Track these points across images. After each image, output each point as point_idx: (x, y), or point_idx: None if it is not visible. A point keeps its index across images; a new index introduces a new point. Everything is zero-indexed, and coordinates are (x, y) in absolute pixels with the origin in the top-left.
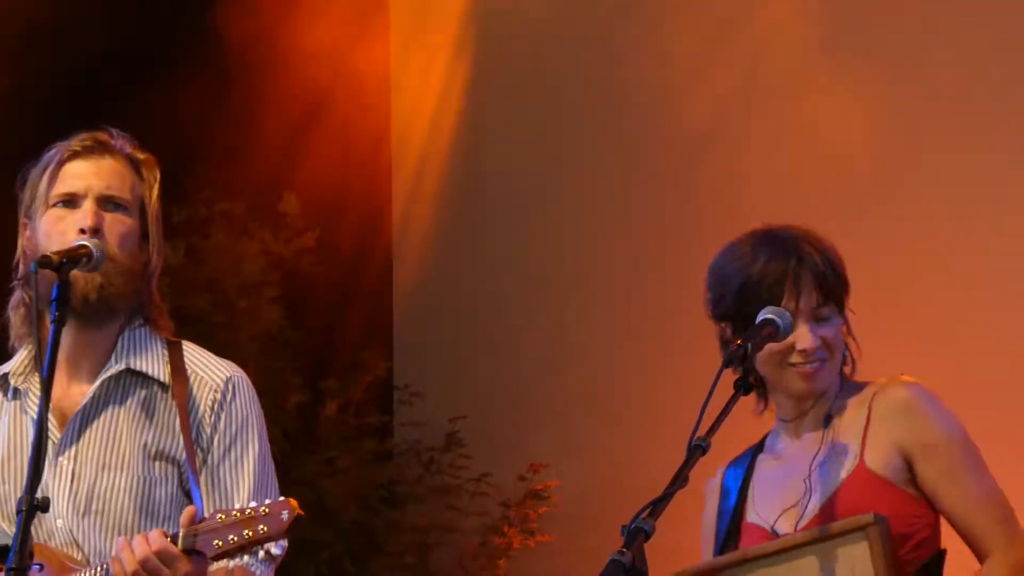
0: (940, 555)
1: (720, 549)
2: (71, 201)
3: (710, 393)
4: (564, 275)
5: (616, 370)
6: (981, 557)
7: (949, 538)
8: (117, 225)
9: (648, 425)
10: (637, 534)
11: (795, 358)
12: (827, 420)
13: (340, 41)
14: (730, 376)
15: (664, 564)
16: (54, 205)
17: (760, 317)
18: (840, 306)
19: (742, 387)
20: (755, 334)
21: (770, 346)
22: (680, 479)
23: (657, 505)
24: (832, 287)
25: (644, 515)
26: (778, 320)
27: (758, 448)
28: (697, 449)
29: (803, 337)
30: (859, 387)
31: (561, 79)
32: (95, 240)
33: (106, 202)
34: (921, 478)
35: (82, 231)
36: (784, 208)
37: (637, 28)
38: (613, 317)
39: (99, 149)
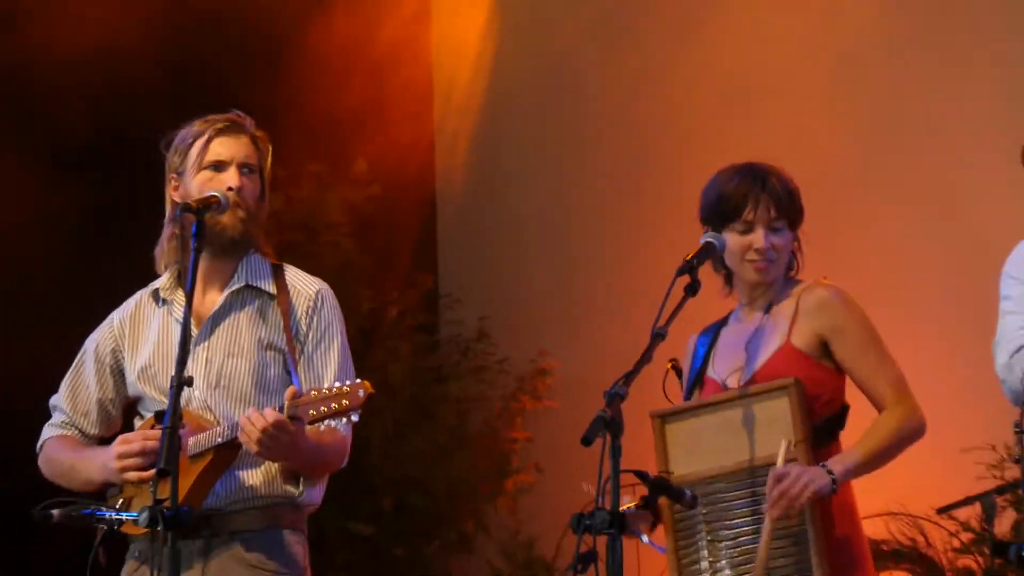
0: (844, 409)
1: (688, 394)
2: (219, 166)
3: (667, 294)
4: (569, 209)
5: (605, 280)
6: (880, 410)
7: (853, 398)
8: (250, 185)
9: (627, 320)
10: (615, 397)
11: (751, 255)
12: (769, 307)
13: (390, 45)
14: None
15: (634, 419)
16: (205, 168)
17: (703, 240)
18: (792, 224)
19: (690, 291)
20: (700, 252)
21: (734, 242)
22: (646, 357)
23: (629, 376)
24: (786, 207)
25: (620, 383)
26: (715, 242)
27: (723, 322)
28: (658, 336)
29: (758, 239)
30: (795, 284)
31: (580, 36)
32: (222, 191)
33: (243, 168)
34: (836, 355)
35: (230, 189)
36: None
37: None
38: (604, 242)
39: (236, 128)
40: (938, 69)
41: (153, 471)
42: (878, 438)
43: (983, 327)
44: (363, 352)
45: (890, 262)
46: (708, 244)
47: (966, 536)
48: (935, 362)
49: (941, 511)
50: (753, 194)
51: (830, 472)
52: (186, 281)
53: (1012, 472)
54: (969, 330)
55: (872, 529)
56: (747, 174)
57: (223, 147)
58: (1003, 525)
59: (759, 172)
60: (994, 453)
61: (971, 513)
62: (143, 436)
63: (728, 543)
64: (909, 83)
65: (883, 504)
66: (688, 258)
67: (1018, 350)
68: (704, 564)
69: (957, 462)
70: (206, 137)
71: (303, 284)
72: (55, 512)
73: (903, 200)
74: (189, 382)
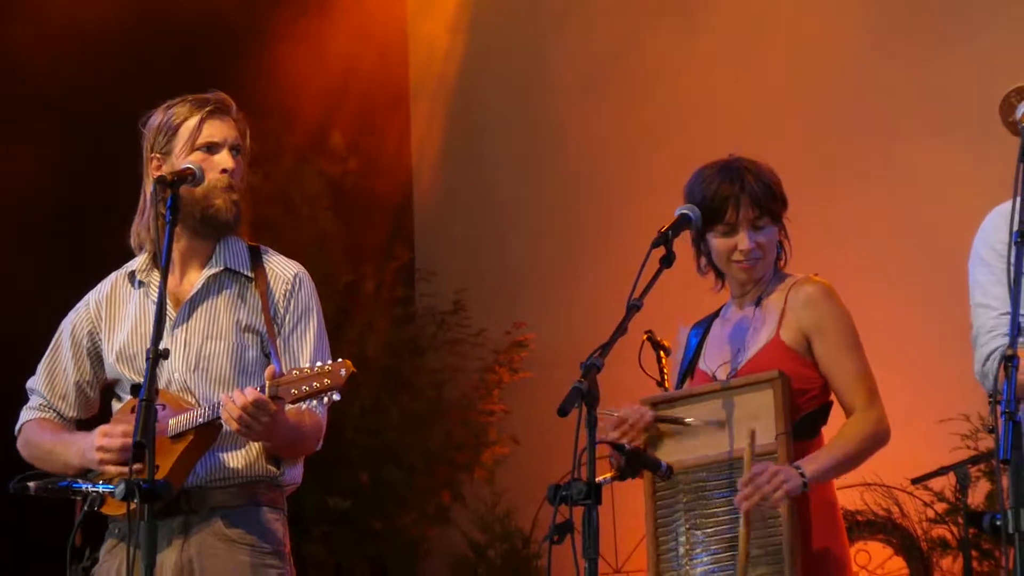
0: (827, 405)
1: (679, 385)
2: (212, 147)
3: (642, 266)
4: (544, 183)
5: (581, 252)
6: (849, 414)
7: None
8: (239, 165)
9: (602, 292)
10: (591, 368)
11: (736, 256)
12: (759, 301)
13: (365, 20)
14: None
15: (609, 391)
16: (198, 149)
17: (677, 212)
18: (775, 218)
19: (665, 262)
20: (675, 224)
21: (719, 244)
22: (621, 329)
23: (605, 348)
24: (766, 204)
25: (596, 355)
26: (690, 214)
27: (715, 315)
28: (633, 307)
29: (742, 241)
30: (785, 278)
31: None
32: (198, 165)
33: (234, 150)
34: (816, 353)
35: (224, 171)
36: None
37: None
38: (579, 215)
39: (225, 109)
40: (898, 49)
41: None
42: (847, 444)
43: (957, 299)
44: (340, 325)
45: (863, 235)
46: (683, 215)
47: (940, 506)
48: (910, 334)
49: (915, 481)
50: (733, 196)
51: (802, 474)
52: (163, 254)
53: (986, 442)
54: (943, 302)
55: (847, 500)
56: (726, 175)
57: (215, 129)
58: (977, 495)
59: (737, 171)
60: (968, 424)
61: (945, 483)
62: (123, 432)
63: (707, 531)
64: (877, 66)
65: (858, 475)
66: (663, 230)
67: (989, 357)
68: (681, 551)
69: (932, 433)
70: (198, 118)
71: (281, 267)
72: (32, 484)
73: (875, 173)
74: (165, 355)
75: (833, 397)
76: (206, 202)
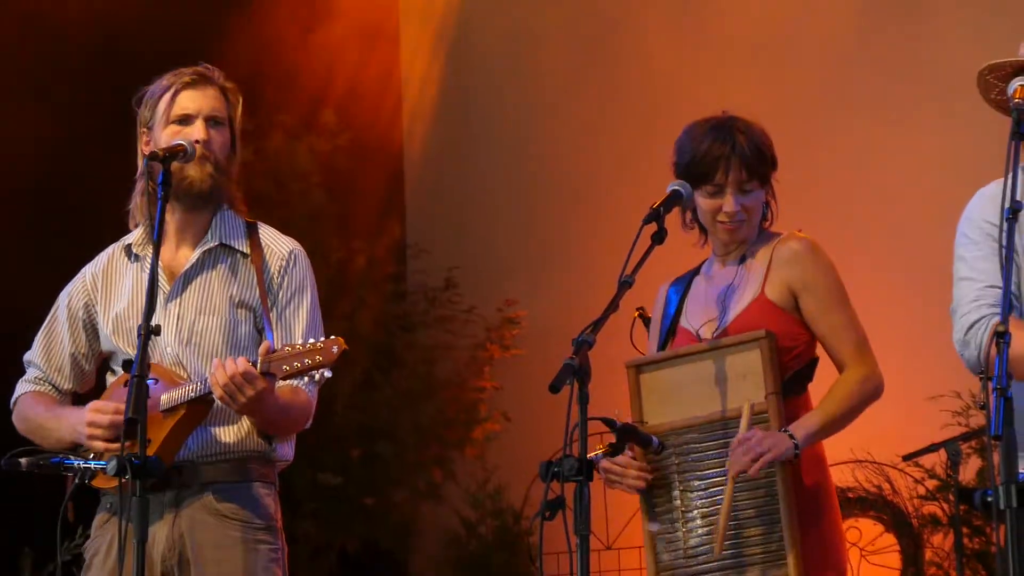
0: (813, 361)
1: (661, 344)
2: (185, 120)
3: (634, 242)
4: (536, 159)
5: (572, 229)
6: (840, 369)
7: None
8: (218, 137)
9: (593, 269)
10: (583, 344)
11: (721, 217)
12: (743, 259)
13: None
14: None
15: (601, 367)
16: (172, 122)
17: (669, 188)
18: (763, 181)
19: (657, 238)
20: (667, 200)
21: (705, 204)
22: (613, 305)
23: (596, 324)
24: (755, 167)
25: (588, 331)
26: (681, 190)
27: (696, 271)
28: (625, 284)
29: (728, 203)
30: (770, 236)
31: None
32: (189, 140)
33: (211, 121)
34: (803, 308)
35: (196, 141)
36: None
37: None
38: (571, 192)
39: (203, 81)
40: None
41: (118, 444)
42: (838, 401)
43: (948, 275)
44: (331, 301)
45: (854, 210)
46: (675, 192)
47: (931, 483)
48: (900, 309)
49: (907, 458)
50: (723, 157)
51: (792, 438)
52: (155, 230)
53: (977, 419)
54: (934, 277)
55: (838, 477)
56: (717, 135)
57: (189, 100)
58: (968, 472)
59: (728, 131)
60: (959, 400)
61: (936, 460)
62: (114, 408)
63: (700, 492)
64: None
65: (849, 452)
66: (655, 206)
67: (972, 325)
68: (676, 514)
69: (923, 409)
70: (173, 91)
71: (277, 243)
72: (23, 460)
73: (869, 146)
74: (156, 331)
75: (819, 353)
76: (181, 174)
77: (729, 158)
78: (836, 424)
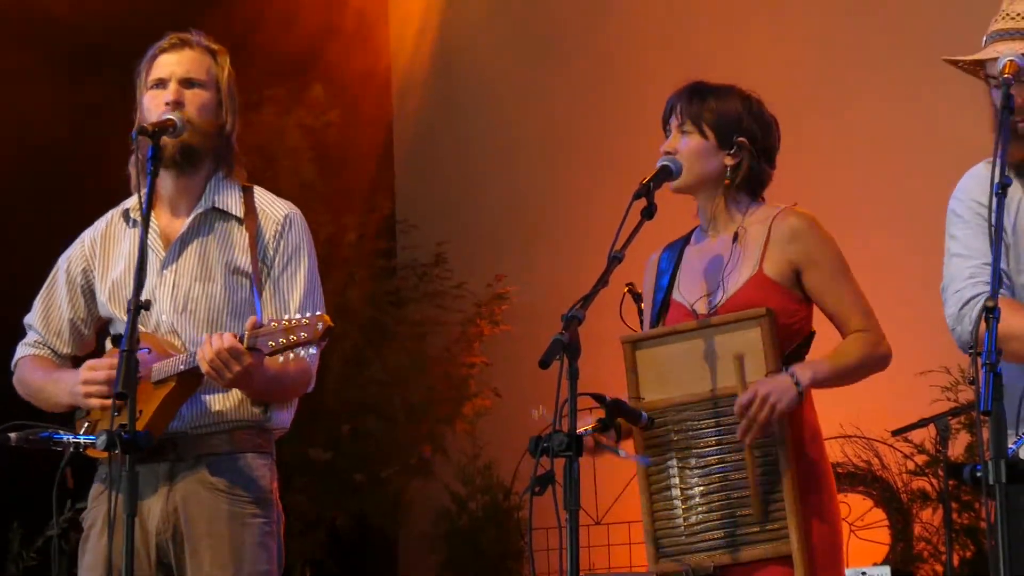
0: (810, 335)
1: (655, 316)
2: (161, 83)
3: (624, 218)
4: (525, 134)
5: (562, 204)
6: (845, 337)
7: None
8: (195, 98)
9: (583, 244)
10: (572, 320)
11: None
12: (736, 235)
13: None
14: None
15: (591, 342)
16: (150, 88)
17: (658, 164)
18: (697, 124)
19: (646, 214)
20: (656, 175)
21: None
22: (602, 281)
23: (586, 300)
24: (687, 109)
25: (577, 307)
26: (671, 166)
27: (686, 240)
28: (614, 259)
29: (670, 138)
30: (765, 209)
31: None
32: (178, 112)
33: (186, 83)
34: (807, 284)
35: (167, 104)
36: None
37: None
38: (561, 167)
39: (180, 44)
40: None
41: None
42: (849, 355)
43: (939, 250)
44: (321, 277)
45: (845, 187)
46: (664, 167)
47: (920, 458)
48: (890, 284)
49: (896, 433)
50: (677, 105)
51: (796, 383)
52: (143, 204)
53: (966, 394)
54: (924, 253)
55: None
56: (684, 89)
57: (164, 64)
58: (957, 447)
59: (693, 86)
60: (948, 376)
61: (925, 435)
62: (109, 364)
63: (699, 471)
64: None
65: (838, 427)
66: (644, 181)
67: (968, 302)
68: (675, 492)
69: (912, 385)
70: (150, 56)
71: (272, 207)
72: (12, 435)
73: (861, 126)
74: (146, 305)
75: (816, 326)
76: (155, 139)
77: (676, 103)
78: (842, 377)
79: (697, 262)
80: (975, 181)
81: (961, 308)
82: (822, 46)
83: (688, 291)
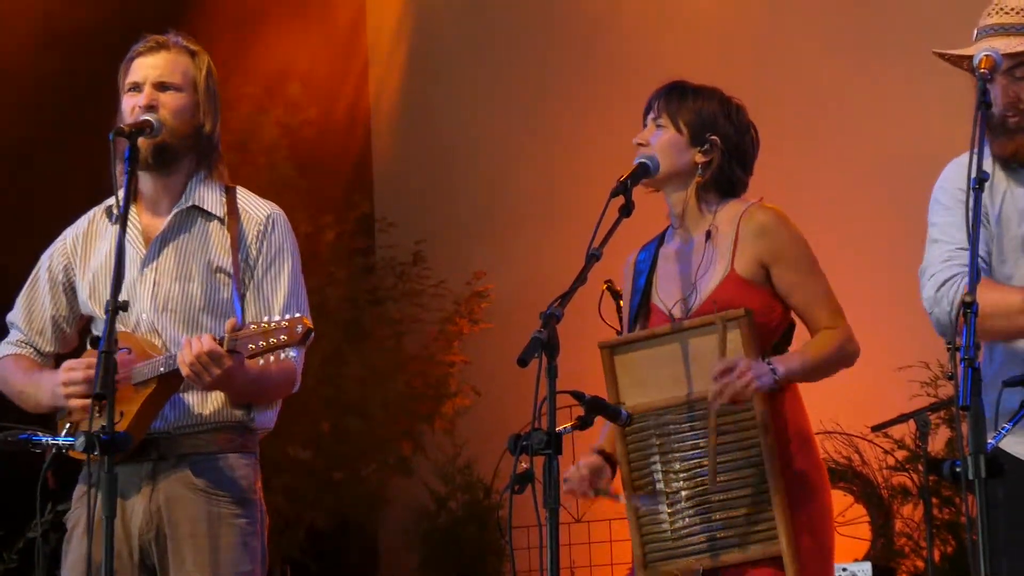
0: (791, 327)
1: (632, 319)
2: (136, 87)
3: (602, 215)
4: (502, 133)
5: (540, 202)
6: (814, 333)
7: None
8: (170, 101)
9: (561, 242)
10: (551, 318)
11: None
12: (708, 234)
13: None
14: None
15: (569, 340)
16: (127, 92)
17: (636, 160)
18: (673, 118)
19: (624, 212)
20: (634, 173)
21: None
22: (581, 278)
23: (564, 298)
24: (664, 104)
25: (556, 305)
26: (648, 163)
27: (660, 240)
28: (592, 257)
29: (644, 130)
30: (733, 206)
31: None
32: (154, 114)
33: (160, 86)
34: (775, 280)
35: (139, 107)
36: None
37: None
38: (538, 165)
39: (156, 47)
40: None
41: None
42: (819, 351)
43: (918, 244)
44: None
45: (824, 181)
46: (641, 164)
47: (901, 454)
48: (869, 280)
49: (875, 429)
50: (654, 100)
51: (774, 371)
52: (121, 204)
53: (946, 390)
54: (903, 247)
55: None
56: (666, 86)
57: (139, 67)
58: (937, 443)
59: (674, 84)
60: (928, 371)
61: (905, 431)
62: (86, 364)
63: (683, 474)
64: None
65: (818, 423)
66: (622, 179)
67: (944, 283)
68: (660, 496)
69: (891, 380)
70: (127, 59)
71: (254, 208)
72: None
73: (839, 120)
74: (124, 307)
75: (795, 317)
76: (132, 140)
77: (656, 99)
78: (814, 372)
79: (672, 263)
80: (959, 169)
81: (937, 290)
82: (817, 39)
83: (665, 294)
